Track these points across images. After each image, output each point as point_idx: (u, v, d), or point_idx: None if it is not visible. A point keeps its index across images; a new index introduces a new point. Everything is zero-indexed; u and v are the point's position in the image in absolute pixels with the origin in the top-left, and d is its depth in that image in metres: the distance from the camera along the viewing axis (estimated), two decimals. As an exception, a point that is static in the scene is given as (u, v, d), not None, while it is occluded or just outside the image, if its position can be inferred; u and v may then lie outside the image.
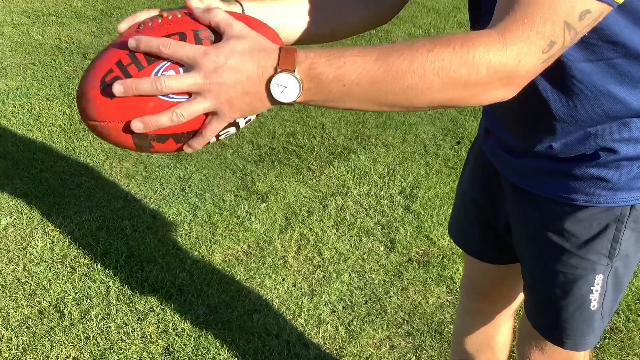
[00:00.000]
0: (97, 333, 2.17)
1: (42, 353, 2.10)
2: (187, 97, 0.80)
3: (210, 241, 2.62)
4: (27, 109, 3.52)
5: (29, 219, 2.68)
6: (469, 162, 1.44)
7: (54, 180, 2.95)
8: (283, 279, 2.45)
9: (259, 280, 2.43)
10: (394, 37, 4.70)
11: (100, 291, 2.34)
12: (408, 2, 1.19)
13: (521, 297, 1.52)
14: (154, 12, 0.92)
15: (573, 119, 1.05)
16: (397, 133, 3.48)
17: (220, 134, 0.86)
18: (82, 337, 2.15)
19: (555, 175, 1.13)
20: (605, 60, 0.97)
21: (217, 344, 2.16)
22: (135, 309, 2.28)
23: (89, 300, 2.30)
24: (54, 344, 2.13)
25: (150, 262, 2.49)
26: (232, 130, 0.87)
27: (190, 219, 2.74)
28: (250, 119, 0.90)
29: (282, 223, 2.74)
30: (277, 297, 2.36)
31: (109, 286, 2.36)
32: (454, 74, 0.81)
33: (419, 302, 2.37)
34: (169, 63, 0.80)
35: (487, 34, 0.82)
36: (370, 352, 2.17)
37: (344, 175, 3.10)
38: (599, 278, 1.18)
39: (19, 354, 2.09)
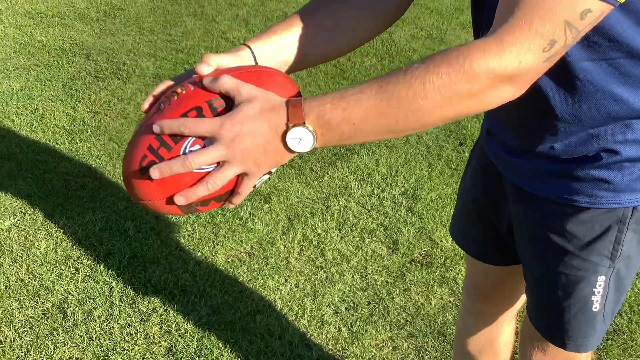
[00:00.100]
0: (100, 334, 2.18)
1: (46, 353, 2.10)
2: (217, 164, 0.88)
3: (213, 242, 2.62)
4: (31, 110, 3.53)
5: (33, 219, 2.69)
6: (471, 162, 1.44)
7: (57, 181, 2.96)
8: (286, 280, 2.45)
9: (262, 281, 2.44)
10: (396, 39, 4.70)
11: (104, 292, 2.35)
12: (411, 4, 1.18)
13: (523, 298, 1.52)
14: (168, 83, 0.98)
15: (575, 120, 1.05)
16: (400, 134, 3.48)
17: (255, 184, 0.94)
18: (85, 338, 2.16)
19: (557, 176, 1.13)
20: (608, 60, 0.98)
21: (220, 344, 2.16)
22: (138, 309, 2.28)
23: (92, 301, 2.31)
24: (57, 345, 2.13)
25: (153, 263, 2.50)
26: (266, 177, 0.94)
27: (193, 220, 2.74)
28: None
29: (284, 224, 2.74)
30: (279, 298, 2.37)
31: (112, 287, 2.37)
32: (455, 87, 0.82)
33: (421, 304, 2.38)
34: (194, 138, 0.87)
35: (482, 41, 0.82)
36: (372, 353, 2.17)
37: (346, 176, 3.10)
38: (601, 279, 1.18)
39: (22, 354, 2.10)
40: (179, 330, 2.21)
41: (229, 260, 2.54)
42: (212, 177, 0.87)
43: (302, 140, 0.85)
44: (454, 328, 2.25)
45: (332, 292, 2.40)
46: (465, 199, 1.47)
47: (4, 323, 2.20)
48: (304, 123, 0.85)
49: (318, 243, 2.64)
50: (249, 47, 1.04)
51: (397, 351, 2.19)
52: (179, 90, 0.91)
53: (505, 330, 1.65)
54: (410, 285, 2.45)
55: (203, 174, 0.88)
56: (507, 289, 1.53)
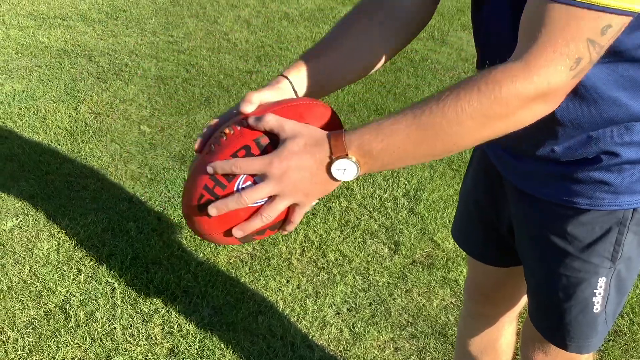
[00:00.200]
0: (103, 334, 2.19)
1: (48, 354, 2.11)
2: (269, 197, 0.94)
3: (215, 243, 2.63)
4: (33, 112, 3.53)
5: (35, 220, 2.70)
6: (473, 164, 1.44)
7: (59, 182, 2.97)
8: (287, 281, 2.45)
9: (264, 282, 2.44)
10: (398, 40, 4.70)
11: (106, 293, 2.35)
12: (433, 15, 1.21)
13: (525, 299, 1.52)
14: (215, 122, 1.03)
15: (575, 124, 1.05)
16: (402, 135, 3.48)
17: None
18: (88, 339, 2.17)
19: (558, 178, 1.14)
20: (608, 64, 0.98)
21: (222, 345, 2.17)
22: (141, 310, 2.29)
23: (94, 302, 2.31)
24: (60, 345, 2.14)
25: (155, 263, 2.50)
26: (315, 201, 0.99)
27: (195, 221, 2.74)
28: None
29: (286, 225, 2.74)
30: (281, 299, 2.37)
31: (115, 288, 2.38)
32: (487, 113, 0.85)
33: (423, 305, 2.38)
34: (245, 175, 0.93)
35: (509, 67, 0.85)
36: (374, 354, 2.18)
37: (348, 177, 3.10)
38: (601, 281, 1.18)
39: (25, 355, 2.10)
40: (181, 331, 2.22)
41: (231, 261, 2.54)
42: (265, 211, 0.93)
43: (346, 170, 0.91)
44: (455, 329, 2.25)
45: (334, 293, 2.40)
46: (466, 200, 1.47)
47: (6, 324, 2.21)
48: (347, 155, 0.90)
49: (320, 244, 2.65)
50: (287, 78, 1.08)
51: (399, 352, 2.19)
52: (227, 130, 0.96)
53: (506, 331, 1.65)
54: (412, 287, 2.46)
55: (256, 207, 0.94)
56: (508, 290, 1.53)
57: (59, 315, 2.25)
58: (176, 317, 2.27)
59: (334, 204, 2.88)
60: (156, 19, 4.90)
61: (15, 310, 2.27)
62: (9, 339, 2.15)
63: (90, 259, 2.51)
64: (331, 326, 2.27)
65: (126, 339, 2.18)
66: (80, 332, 2.19)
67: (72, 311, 2.27)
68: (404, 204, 2.92)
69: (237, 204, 0.92)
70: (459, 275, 2.51)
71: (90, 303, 2.31)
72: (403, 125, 0.88)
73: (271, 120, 0.93)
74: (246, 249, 2.60)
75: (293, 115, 0.96)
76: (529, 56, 0.84)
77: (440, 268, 2.54)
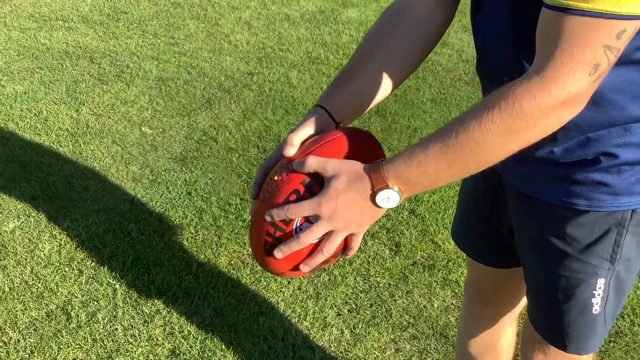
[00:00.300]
0: (104, 335, 2.19)
1: (50, 355, 2.11)
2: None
3: (216, 244, 2.63)
4: (35, 113, 3.54)
5: (37, 222, 2.71)
6: (472, 165, 1.45)
7: (61, 183, 2.97)
8: (288, 282, 2.46)
9: (265, 283, 2.45)
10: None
11: (107, 294, 2.36)
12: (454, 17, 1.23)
13: (525, 300, 1.52)
14: (265, 167, 1.11)
15: (574, 126, 1.06)
16: (402, 137, 3.49)
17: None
18: (89, 340, 2.17)
19: (557, 180, 1.14)
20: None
21: (223, 346, 2.17)
22: (142, 311, 2.29)
23: (95, 303, 2.32)
24: (61, 346, 2.14)
25: (156, 265, 2.51)
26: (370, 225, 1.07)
27: (197, 223, 2.75)
28: None
29: (287, 226, 2.75)
30: (282, 300, 2.37)
31: (116, 289, 2.38)
32: (512, 128, 0.88)
33: (424, 306, 2.38)
34: (301, 217, 1.02)
35: (527, 81, 0.87)
36: (375, 355, 2.18)
37: (349, 178, 3.10)
38: (600, 282, 1.19)
39: (27, 355, 2.11)
40: (182, 332, 2.22)
41: (232, 262, 2.55)
42: (325, 247, 1.02)
43: (390, 198, 0.97)
44: (456, 330, 2.26)
45: (335, 294, 2.41)
46: (466, 201, 1.48)
47: (8, 324, 2.22)
48: (388, 186, 0.96)
49: (321, 245, 2.65)
50: (322, 107, 1.14)
51: (400, 353, 2.20)
52: (276, 178, 1.05)
53: (506, 332, 1.65)
54: (413, 288, 2.46)
55: (317, 244, 1.03)
56: (508, 291, 1.54)
57: (60, 316, 2.26)
58: (177, 318, 2.27)
59: (334, 205, 2.88)
60: (157, 21, 4.91)
61: (16, 311, 2.27)
62: (10, 340, 2.16)
63: (92, 260, 2.51)
64: (332, 327, 2.27)
65: (127, 339, 2.18)
66: (82, 333, 2.20)
67: (74, 312, 2.27)
68: (404, 205, 2.92)
69: (298, 245, 1.01)
70: (460, 276, 2.51)
71: (91, 304, 2.31)
72: (433, 151, 0.93)
73: (313, 163, 1.00)
74: (247, 251, 2.61)
75: (332, 152, 1.05)
76: (547, 69, 0.86)
77: (441, 269, 2.54)
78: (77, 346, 2.15)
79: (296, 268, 1.07)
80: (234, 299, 2.37)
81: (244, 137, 3.41)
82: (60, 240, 2.61)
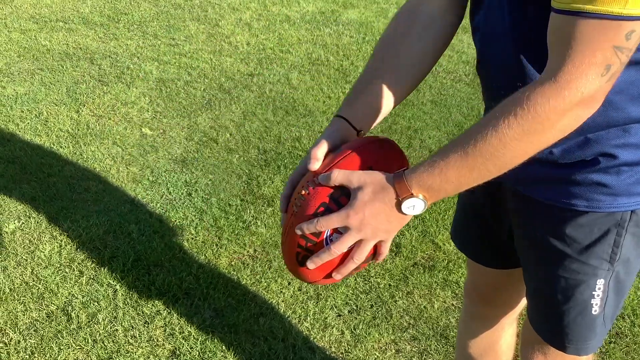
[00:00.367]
0: (105, 336, 2.19)
1: (50, 356, 2.11)
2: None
3: (217, 245, 2.63)
4: (35, 114, 3.55)
5: (37, 223, 2.71)
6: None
7: (61, 184, 2.97)
8: (289, 283, 2.46)
9: (265, 284, 2.45)
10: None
11: (108, 295, 2.36)
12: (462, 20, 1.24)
13: (525, 301, 1.52)
14: (292, 179, 1.15)
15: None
16: (403, 138, 3.49)
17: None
18: (90, 340, 2.17)
19: (556, 181, 1.14)
20: None
21: (224, 347, 2.18)
22: (142, 312, 2.29)
23: (96, 304, 2.32)
24: (62, 347, 2.14)
25: (157, 265, 2.51)
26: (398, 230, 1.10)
27: (197, 223, 2.76)
28: None
29: (287, 227, 2.75)
30: (283, 301, 2.38)
31: (116, 290, 2.38)
32: (529, 131, 0.90)
33: (424, 307, 2.38)
34: (330, 229, 1.05)
35: (540, 86, 0.89)
36: (375, 356, 2.18)
37: (349, 179, 3.10)
38: (600, 283, 1.19)
39: (27, 356, 2.11)
40: (183, 332, 2.22)
41: (233, 263, 2.55)
42: (355, 255, 1.05)
43: (415, 206, 1.00)
44: (457, 331, 2.26)
45: (335, 295, 2.41)
46: (465, 202, 1.48)
47: (8, 325, 2.22)
48: (412, 194, 0.99)
49: (321, 246, 2.65)
50: (342, 117, 1.16)
51: (400, 354, 2.20)
52: (303, 192, 1.09)
53: (506, 333, 1.65)
54: (413, 289, 2.46)
55: (348, 253, 1.07)
56: (508, 292, 1.54)
57: (60, 317, 2.26)
58: (178, 319, 2.27)
59: (335, 206, 2.89)
60: (158, 22, 4.91)
61: (17, 312, 2.27)
62: (11, 341, 2.16)
63: (92, 261, 2.51)
64: (332, 328, 2.28)
65: (128, 340, 2.19)
66: (82, 334, 2.20)
67: (74, 313, 2.27)
68: (405, 206, 2.92)
69: (329, 256, 1.05)
70: (460, 277, 2.51)
71: (92, 305, 2.31)
72: (454, 159, 0.96)
73: (339, 177, 1.04)
74: (247, 252, 2.61)
75: (356, 163, 1.08)
76: (559, 72, 0.88)
77: (442, 270, 2.55)
78: (78, 347, 2.15)
79: (328, 276, 1.11)
80: (234, 299, 2.37)
81: (244, 138, 3.42)
82: (61, 241, 2.61)
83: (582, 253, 1.16)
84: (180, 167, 3.16)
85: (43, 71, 4.04)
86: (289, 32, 4.84)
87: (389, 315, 2.34)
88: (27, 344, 2.15)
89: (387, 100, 1.19)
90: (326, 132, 1.15)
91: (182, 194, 2.96)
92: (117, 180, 3.04)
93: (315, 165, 1.10)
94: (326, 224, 1.03)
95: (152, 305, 2.32)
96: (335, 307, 2.36)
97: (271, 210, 2.85)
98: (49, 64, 4.15)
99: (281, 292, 2.42)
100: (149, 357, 2.13)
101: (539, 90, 0.89)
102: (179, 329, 2.24)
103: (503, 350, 1.68)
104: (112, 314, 2.28)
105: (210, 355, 2.15)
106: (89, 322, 2.25)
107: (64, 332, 2.20)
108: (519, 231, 1.29)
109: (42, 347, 2.15)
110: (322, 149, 1.11)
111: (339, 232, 1.04)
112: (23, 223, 2.70)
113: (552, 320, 1.27)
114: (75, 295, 2.35)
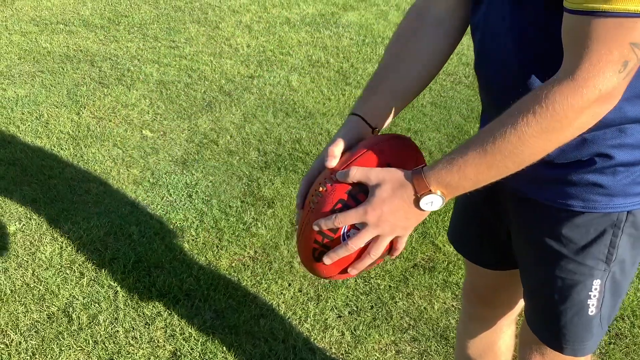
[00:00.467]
0: (105, 337, 2.20)
1: (51, 357, 2.12)
2: None
3: (217, 247, 2.64)
4: (36, 116, 3.56)
5: (38, 224, 2.72)
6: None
7: (62, 186, 2.98)
8: (289, 284, 2.47)
9: (266, 285, 2.46)
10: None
11: (108, 296, 2.37)
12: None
13: (523, 302, 1.53)
14: (307, 178, 1.16)
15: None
16: (402, 139, 3.49)
17: None
18: (91, 342, 2.18)
19: (552, 181, 1.15)
20: None
21: (224, 348, 2.18)
22: (143, 313, 2.30)
23: (97, 305, 2.33)
24: (63, 348, 2.15)
25: (157, 267, 2.52)
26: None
27: (197, 225, 2.76)
28: None
29: (288, 229, 2.76)
30: (283, 302, 2.38)
31: (117, 291, 2.39)
32: (548, 129, 0.91)
33: (424, 308, 2.39)
34: (347, 225, 1.06)
35: (558, 84, 0.90)
36: (376, 357, 2.19)
37: (349, 181, 3.11)
38: (596, 283, 1.19)
39: (28, 358, 2.12)
40: (184, 334, 2.23)
41: (233, 264, 2.56)
42: (372, 250, 1.06)
43: (433, 202, 1.02)
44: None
45: (336, 296, 2.41)
46: (463, 203, 1.49)
47: (9, 327, 2.23)
48: (430, 191, 1.00)
49: (321, 248, 2.65)
50: (357, 115, 1.17)
51: (400, 355, 2.20)
52: (321, 189, 1.10)
53: (505, 334, 1.66)
54: (413, 290, 2.47)
55: (364, 248, 1.07)
56: (506, 293, 1.54)
57: (61, 319, 2.27)
58: (178, 320, 2.28)
59: (335, 208, 2.89)
60: (158, 25, 4.92)
61: (18, 313, 2.28)
62: (12, 342, 2.17)
63: (93, 263, 2.52)
64: (333, 329, 2.28)
65: (129, 342, 2.19)
66: (83, 335, 2.20)
67: (75, 314, 2.28)
68: (404, 207, 2.93)
69: (346, 251, 1.05)
70: (460, 278, 2.52)
71: (92, 306, 2.32)
72: (472, 156, 0.97)
73: (357, 174, 1.04)
74: (248, 253, 2.62)
75: (373, 160, 1.09)
76: (577, 71, 0.89)
77: (442, 271, 2.55)
78: (79, 348, 2.16)
79: (344, 271, 1.11)
80: (234, 301, 2.38)
81: (244, 140, 3.42)
82: (62, 242, 2.62)
83: (579, 253, 1.17)
84: (180, 169, 3.17)
85: (44, 73, 4.05)
86: (289, 35, 4.85)
87: (389, 316, 2.35)
88: (28, 345, 2.16)
89: (400, 97, 1.21)
90: (342, 130, 1.16)
91: (182, 195, 2.96)
92: (117, 182, 3.04)
93: (333, 162, 1.10)
94: (344, 220, 1.04)
95: (153, 306, 2.33)
96: (336, 308, 2.37)
97: (271, 212, 2.86)
98: (50, 66, 4.16)
99: (282, 293, 2.42)
100: (149, 358, 2.14)
101: (557, 89, 0.90)
102: (179, 330, 2.24)
103: (502, 351, 1.68)
104: (113, 315, 2.29)
105: (210, 356, 2.15)
106: (89, 323, 2.25)
107: (64, 334, 2.21)
108: (516, 231, 1.29)
109: (43, 348, 2.15)
110: (339, 146, 1.12)
111: (356, 228, 1.05)
112: (24, 225, 2.71)
113: (549, 320, 1.27)
114: (76, 296, 2.36)
